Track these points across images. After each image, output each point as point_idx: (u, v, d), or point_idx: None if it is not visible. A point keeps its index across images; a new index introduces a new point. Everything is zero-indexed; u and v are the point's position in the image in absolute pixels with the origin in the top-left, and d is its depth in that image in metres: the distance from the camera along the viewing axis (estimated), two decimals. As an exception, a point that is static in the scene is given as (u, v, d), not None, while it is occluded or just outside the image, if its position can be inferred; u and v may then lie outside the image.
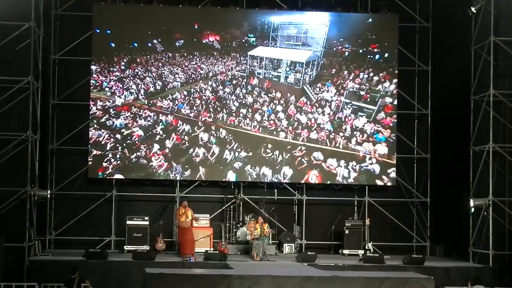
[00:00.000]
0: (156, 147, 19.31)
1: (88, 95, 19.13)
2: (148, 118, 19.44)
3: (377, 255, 17.63)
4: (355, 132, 19.04)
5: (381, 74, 19.10)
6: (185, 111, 19.58)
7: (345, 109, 19.13)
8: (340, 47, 19.32)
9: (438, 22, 20.00)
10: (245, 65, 19.66)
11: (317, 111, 19.26)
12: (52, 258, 16.81)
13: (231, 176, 19.34)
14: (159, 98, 19.59)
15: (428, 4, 20.17)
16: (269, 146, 19.34)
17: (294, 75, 19.44)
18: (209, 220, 18.80)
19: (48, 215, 19.03)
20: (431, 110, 20.17)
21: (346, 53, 19.30)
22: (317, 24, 19.49)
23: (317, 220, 19.90)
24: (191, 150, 19.39)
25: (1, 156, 16.68)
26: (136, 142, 19.25)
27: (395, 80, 19.17)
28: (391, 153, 18.98)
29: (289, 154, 19.25)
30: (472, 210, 17.69)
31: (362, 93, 19.00)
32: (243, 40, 19.72)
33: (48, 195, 17.99)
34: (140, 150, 19.26)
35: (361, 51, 19.27)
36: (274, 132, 19.39)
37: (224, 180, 19.39)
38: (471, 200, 17.59)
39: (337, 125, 19.15)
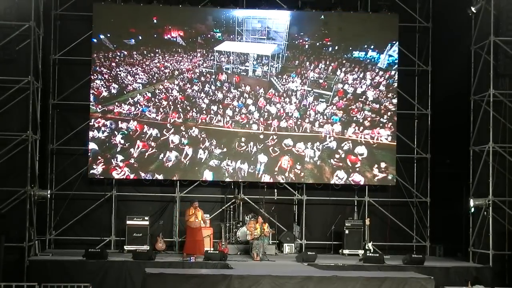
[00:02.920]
0: (119, 158, 18.95)
1: (88, 95, 19.11)
2: (103, 128, 18.93)
3: (377, 255, 17.62)
4: (317, 116, 19.47)
5: (333, 64, 19.57)
6: (150, 114, 19.21)
7: (308, 97, 19.54)
8: (300, 41, 19.62)
9: (438, 22, 20.00)
10: (212, 61, 19.50)
11: (285, 101, 19.54)
12: (52, 258, 16.80)
13: (207, 175, 19.20)
14: (117, 103, 19.08)
15: (428, 4, 20.18)
16: (243, 139, 19.33)
17: (262, 68, 19.57)
18: (209, 220, 18.78)
19: (48, 215, 19.02)
20: (431, 110, 20.17)
21: (306, 46, 19.64)
22: (278, 19, 19.63)
23: (317, 220, 19.90)
24: (162, 155, 19.10)
25: (1, 156, 16.67)
26: (89, 157, 18.82)
27: (346, 69, 19.54)
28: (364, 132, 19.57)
29: (262, 144, 19.34)
30: (472, 210, 17.69)
31: (320, 81, 19.60)
32: (209, 35, 19.51)
33: (48, 195, 17.96)
34: (94, 167, 18.89)
35: (318, 44, 19.62)
36: (247, 125, 19.40)
37: (202, 179, 19.20)
38: (471, 200, 17.60)
39: (302, 112, 19.50)
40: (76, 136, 19.29)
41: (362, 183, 19.34)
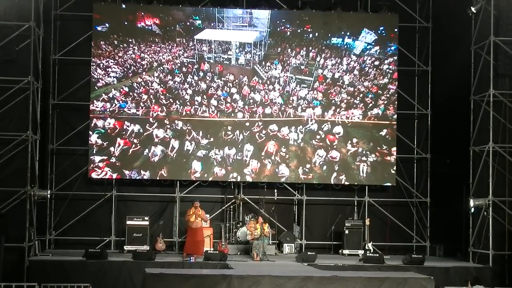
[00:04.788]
0: (97, 159, 18.76)
1: (88, 95, 19.09)
2: None
3: (377, 255, 17.62)
4: (299, 101, 19.61)
5: (313, 50, 19.66)
6: (130, 110, 18.93)
7: (291, 83, 19.64)
8: (282, 28, 19.61)
9: (438, 22, 20.00)
10: (193, 51, 19.23)
11: (268, 88, 19.57)
12: (52, 258, 16.80)
13: (196, 166, 19.11)
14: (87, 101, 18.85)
15: (428, 4, 20.18)
16: (229, 128, 19.31)
17: (244, 56, 19.50)
18: (209, 220, 18.77)
19: (48, 215, 19.01)
20: (431, 110, 20.17)
21: (288, 33, 19.64)
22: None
23: (317, 220, 19.90)
24: (146, 151, 18.95)
25: (1, 156, 16.68)
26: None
27: (325, 55, 19.65)
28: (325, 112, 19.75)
29: (248, 132, 19.36)
30: (472, 210, 17.69)
31: (302, 67, 19.68)
32: (188, 23, 19.23)
33: (48, 195, 17.95)
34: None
35: (299, 30, 19.65)
36: (232, 114, 19.38)
37: (189, 170, 19.09)
38: (471, 200, 17.60)
39: (286, 98, 19.60)
40: (76, 136, 19.28)
41: (337, 158, 19.48)
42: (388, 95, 19.64)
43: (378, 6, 19.85)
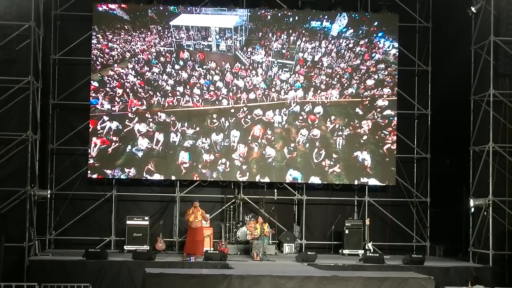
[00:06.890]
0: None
1: (88, 94, 19.09)
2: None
3: (377, 255, 17.63)
4: (282, 85, 19.63)
5: (294, 34, 19.62)
6: (102, 106, 18.48)
7: (273, 67, 19.63)
8: (263, 11, 19.52)
9: (438, 22, 20.00)
10: (170, 38, 18.71)
11: (251, 73, 19.51)
12: (52, 258, 16.80)
13: (184, 156, 19.01)
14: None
15: (428, 4, 20.19)
16: (214, 116, 19.19)
17: (225, 42, 19.29)
18: (209, 220, 18.77)
19: (48, 215, 19.02)
20: (431, 110, 20.18)
21: (269, 17, 19.55)
22: None
23: (317, 220, 19.91)
24: (129, 147, 18.70)
25: (1, 156, 16.68)
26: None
27: (305, 38, 19.70)
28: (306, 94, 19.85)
29: (234, 118, 19.31)
30: (472, 210, 17.70)
31: (283, 51, 19.67)
32: (161, 8, 18.76)
33: (48, 195, 17.94)
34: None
35: (279, 14, 19.61)
36: (216, 102, 19.27)
37: (177, 162, 18.97)
38: (471, 200, 17.61)
39: (269, 82, 19.59)
40: (76, 136, 19.29)
41: (318, 135, 19.58)
42: (359, 75, 19.71)
43: (378, 6, 19.86)
